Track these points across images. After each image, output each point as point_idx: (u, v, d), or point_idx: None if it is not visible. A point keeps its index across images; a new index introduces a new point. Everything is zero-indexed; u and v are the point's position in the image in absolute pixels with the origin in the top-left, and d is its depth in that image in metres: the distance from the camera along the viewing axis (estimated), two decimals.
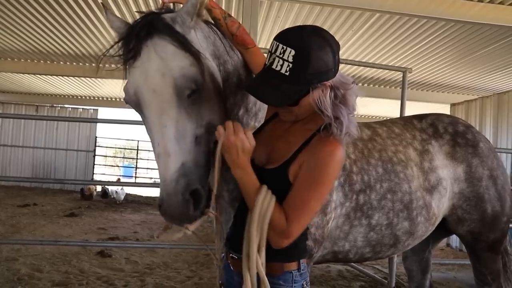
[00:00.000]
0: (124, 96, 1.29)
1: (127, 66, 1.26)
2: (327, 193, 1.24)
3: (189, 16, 1.28)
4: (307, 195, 1.18)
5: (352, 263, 4.73)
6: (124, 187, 10.56)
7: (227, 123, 1.23)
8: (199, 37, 1.36)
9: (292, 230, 1.18)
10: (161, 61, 1.20)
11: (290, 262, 1.28)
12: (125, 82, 1.27)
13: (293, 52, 1.11)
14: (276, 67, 1.14)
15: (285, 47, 1.13)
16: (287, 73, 1.12)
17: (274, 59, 1.15)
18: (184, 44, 1.24)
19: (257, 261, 1.20)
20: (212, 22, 1.53)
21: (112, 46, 1.29)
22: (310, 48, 1.12)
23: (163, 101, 1.20)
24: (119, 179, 13.79)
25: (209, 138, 1.29)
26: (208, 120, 1.29)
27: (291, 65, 1.12)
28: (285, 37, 1.16)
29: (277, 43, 1.15)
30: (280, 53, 1.13)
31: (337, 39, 1.23)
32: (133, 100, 1.25)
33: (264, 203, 1.18)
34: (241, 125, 1.24)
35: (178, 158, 1.19)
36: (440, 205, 2.01)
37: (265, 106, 1.61)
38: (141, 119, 1.30)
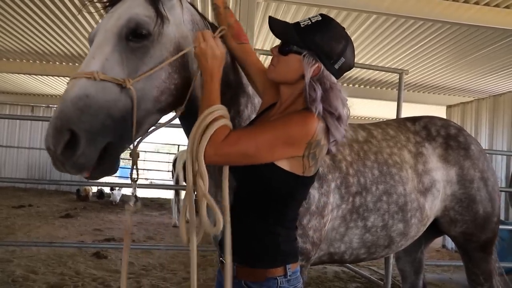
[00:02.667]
0: None
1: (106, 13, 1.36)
2: (277, 143, 1.18)
3: None
4: (257, 130, 1.22)
5: (348, 265, 4.74)
6: (120, 188, 10.51)
7: (197, 33, 1.31)
8: (185, 19, 1.42)
9: (224, 147, 1.17)
10: (126, 8, 1.29)
11: (274, 268, 1.24)
12: None
13: (319, 19, 1.25)
14: (300, 21, 1.28)
15: (319, 15, 1.27)
16: (302, 26, 1.25)
17: (305, 19, 1.28)
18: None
19: (194, 165, 1.18)
20: (205, 17, 1.57)
21: None
22: (332, 28, 1.25)
23: (106, 37, 1.26)
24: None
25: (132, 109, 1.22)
26: (143, 85, 1.25)
27: (309, 23, 1.25)
28: (326, 15, 1.29)
29: (318, 13, 1.30)
30: (312, 17, 1.27)
31: None
32: (90, 38, 1.34)
33: (208, 117, 1.19)
34: (210, 33, 1.32)
35: (86, 86, 1.16)
36: (433, 206, 2.04)
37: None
38: None
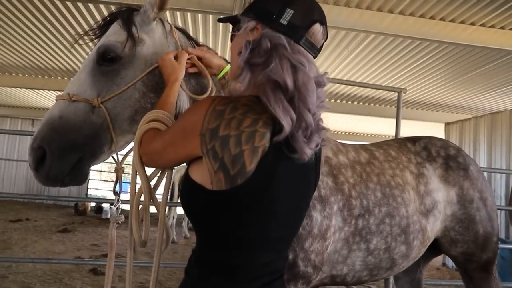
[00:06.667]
0: None
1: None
2: (176, 138, 1.00)
3: (151, 7, 1.41)
4: (170, 126, 1.14)
5: None
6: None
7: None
8: (168, 41, 1.48)
9: (146, 146, 1.14)
10: (104, 37, 1.42)
11: None
12: None
13: None
14: None
15: None
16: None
17: None
18: (126, 23, 1.40)
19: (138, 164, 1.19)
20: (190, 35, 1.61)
21: (94, 27, 1.52)
22: None
23: (85, 65, 1.39)
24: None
25: (102, 133, 1.34)
26: (115, 104, 1.34)
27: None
28: None
29: None
30: None
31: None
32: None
33: (141, 122, 1.19)
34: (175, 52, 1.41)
35: (61, 108, 1.31)
36: (434, 227, 2.03)
37: None
38: None
